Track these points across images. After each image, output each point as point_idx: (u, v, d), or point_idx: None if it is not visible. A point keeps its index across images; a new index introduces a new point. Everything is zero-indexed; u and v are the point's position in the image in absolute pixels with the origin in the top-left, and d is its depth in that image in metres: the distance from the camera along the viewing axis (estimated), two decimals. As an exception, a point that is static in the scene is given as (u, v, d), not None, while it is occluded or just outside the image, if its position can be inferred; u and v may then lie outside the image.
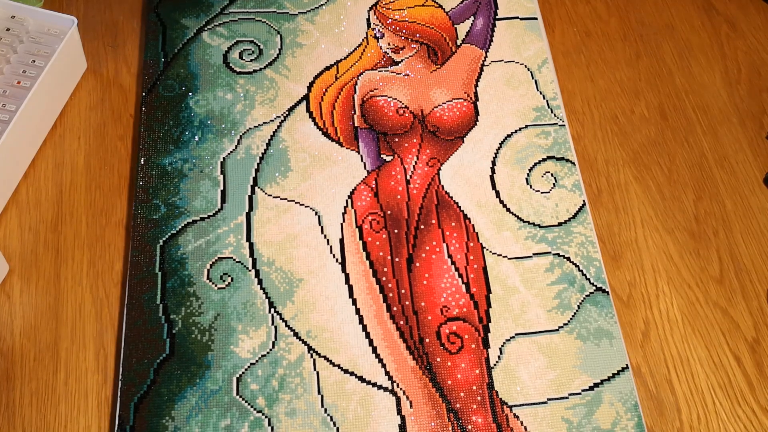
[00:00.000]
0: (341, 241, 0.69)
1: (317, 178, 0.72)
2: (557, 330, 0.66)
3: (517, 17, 0.82)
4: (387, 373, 0.63)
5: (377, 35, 0.81)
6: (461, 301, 0.66)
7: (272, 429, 0.61)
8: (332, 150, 0.74)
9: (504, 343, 0.65)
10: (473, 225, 0.70)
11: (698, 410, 0.64)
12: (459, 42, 0.81)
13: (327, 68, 0.79)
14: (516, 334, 0.65)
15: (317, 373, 0.63)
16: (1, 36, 0.74)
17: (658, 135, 0.78)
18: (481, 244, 0.69)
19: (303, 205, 0.71)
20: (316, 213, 0.70)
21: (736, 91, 0.81)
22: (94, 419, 0.62)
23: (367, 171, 0.73)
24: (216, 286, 0.67)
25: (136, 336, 0.64)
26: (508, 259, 0.69)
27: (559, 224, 0.71)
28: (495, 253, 0.69)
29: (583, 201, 0.72)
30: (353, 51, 0.80)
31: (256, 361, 0.63)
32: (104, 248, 0.69)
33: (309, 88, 0.77)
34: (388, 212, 0.70)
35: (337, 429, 0.61)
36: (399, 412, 0.62)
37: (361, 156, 0.73)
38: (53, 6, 0.82)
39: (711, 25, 0.85)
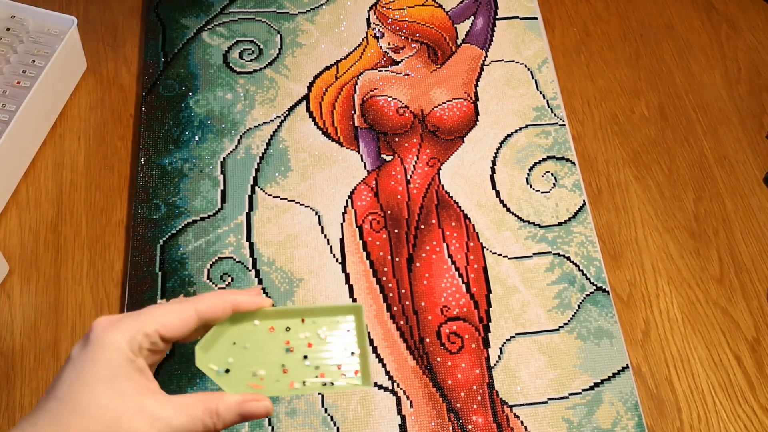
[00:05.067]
0: (341, 240, 0.69)
1: (317, 178, 0.72)
2: (557, 330, 0.66)
3: (517, 17, 0.82)
4: (387, 372, 0.63)
5: (377, 35, 0.81)
6: (461, 301, 0.66)
7: (272, 429, 0.61)
8: (332, 150, 0.74)
9: (504, 342, 0.65)
10: (473, 225, 0.70)
11: (698, 410, 0.64)
12: (459, 42, 0.81)
13: (327, 68, 0.78)
14: (516, 334, 0.65)
15: (317, 372, 0.63)
16: (1, 36, 0.74)
17: (658, 135, 0.78)
18: (481, 243, 0.69)
19: (303, 205, 0.71)
20: (316, 213, 0.70)
21: (736, 91, 0.81)
22: (95, 419, 0.62)
23: (367, 171, 0.73)
24: (216, 286, 0.67)
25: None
26: (508, 258, 0.69)
27: (559, 224, 0.71)
28: (495, 253, 0.69)
29: (583, 201, 0.72)
30: (353, 51, 0.80)
31: (257, 361, 0.63)
32: (104, 248, 0.69)
33: (309, 87, 0.77)
34: (388, 212, 0.70)
35: (338, 429, 0.61)
36: (399, 411, 0.62)
37: (361, 156, 0.73)
38: (53, 6, 0.82)
39: (711, 25, 0.85)
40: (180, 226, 0.69)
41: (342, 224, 0.70)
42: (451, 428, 0.61)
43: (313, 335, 0.45)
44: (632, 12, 0.86)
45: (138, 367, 0.40)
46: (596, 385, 0.63)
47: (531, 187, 0.72)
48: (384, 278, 0.67)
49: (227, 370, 0.43)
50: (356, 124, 0.75)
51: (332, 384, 0.43)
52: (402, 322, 0.65)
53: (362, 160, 0.73)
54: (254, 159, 0.73)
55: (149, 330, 0.39)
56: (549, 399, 0.63)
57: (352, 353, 0.44)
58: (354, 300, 0.66)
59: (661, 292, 0.69)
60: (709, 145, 0.77)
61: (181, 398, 0.40)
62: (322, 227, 0.70)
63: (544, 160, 0.74)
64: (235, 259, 0.68)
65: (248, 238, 0.69)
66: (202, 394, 0.41)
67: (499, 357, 0.64)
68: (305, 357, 0.44)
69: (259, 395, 0.42)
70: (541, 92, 0.77)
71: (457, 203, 0.71)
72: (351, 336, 0.45)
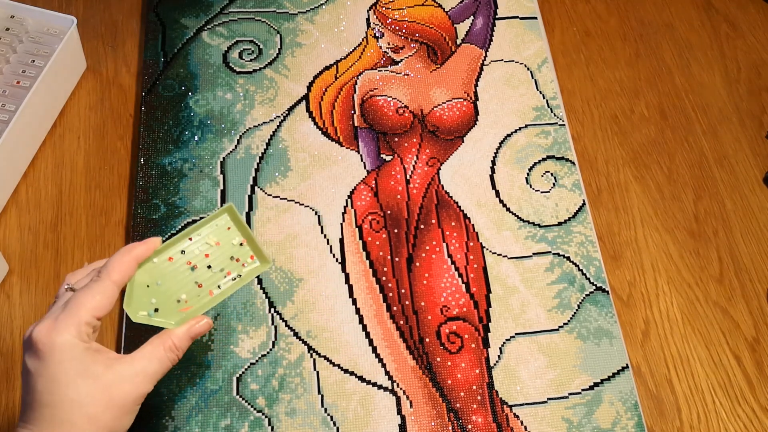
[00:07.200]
0: (341, 240, 0.69)
1: (317, 178, 0.72)
2: (557, 329, 0.66)
3: (517, 17, 0.82)
4: (387, 372, 0.63)
5: (377, 35, 0.81)
6: (461, 301, 0.66)
7: (272, 429, 0.61)
8: (332, 150, 0.74)
9: (504, 342, 0.65)
10: (473, 225, 0.70)
11: (698, 410, 0.64)
12: (459, 41, 0.81)
13: (327, 68, 0.78)
14: (516, 334, 0.65)
15: (317, 372, 0.63)
16: (1, 36, 0.74)
17: (658, 134, 0.78)
18: (481, 243, 0.69)
19: (303, 204, 0.71)
20: (316, 213, 0.70)
21: (736, 91, 0.81)
22: (94, 419, 0.62)
23: (367, 171, 0.73)
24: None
25: (136, 336, 0.64)
26: (508, 258, 0.69)
27: (559, 224, 0.71)
28: (495, 253, 0.69)
29: (583, 200, 0.72)
30: (353, 51, 0.80)
31: (256, 360, 0.63)
32: (104, 248, 0.69)
33: (309, 87, 0.77)
34: (388, 212, 0.70)
35: (337, 429, 0.61)
36: (399, 411, 0.62)
37: (361, 156, 0.73)
38: (53, 6, 0.82)
39: (711, 25, 0.85)
40: (180, 226, 0.69)
41: (342, 224, 0.70)
42: (450, 428, 0.61)
43: (205, 246, 0.51)
44: (632, 12, 0.86)
45: (95, 349, 0.46)
46: (596, 385, 0.63)
47: (531, 186, 0.72)
48: (384, 278, 0.67)
49: (156, 309, 0.50)
50: (356, 124, 0.75)
51: (240, 276, 0.51)
52: (402, 322, 0.65)
53: (362, 160, 0.73)
54: (254, 159, 0.73)
55: (87, 319, 0.46)
56: (549, 399, 0.63)
57: (241, 244, 0.52)
58: (354, 300, 0.66)
59: (660, 292, 0.69)
60: (708, 145, 0.77)
61: (142, 350, 0.48)
62: (321, 227, 0.70)
63: (543, 159, 0.74)
64: (234, 259, 0.68)
65: (248, 238, 0.69)
66: (155, 338, 0.48)
67: (498, 357, 0.64)
68: (209, 267, 0.51)
69: (198, 317, 0.50)
70: (540, 92, 0.77)
71: (457, 203, 0.71)
72: (234, 231, 0.52)
